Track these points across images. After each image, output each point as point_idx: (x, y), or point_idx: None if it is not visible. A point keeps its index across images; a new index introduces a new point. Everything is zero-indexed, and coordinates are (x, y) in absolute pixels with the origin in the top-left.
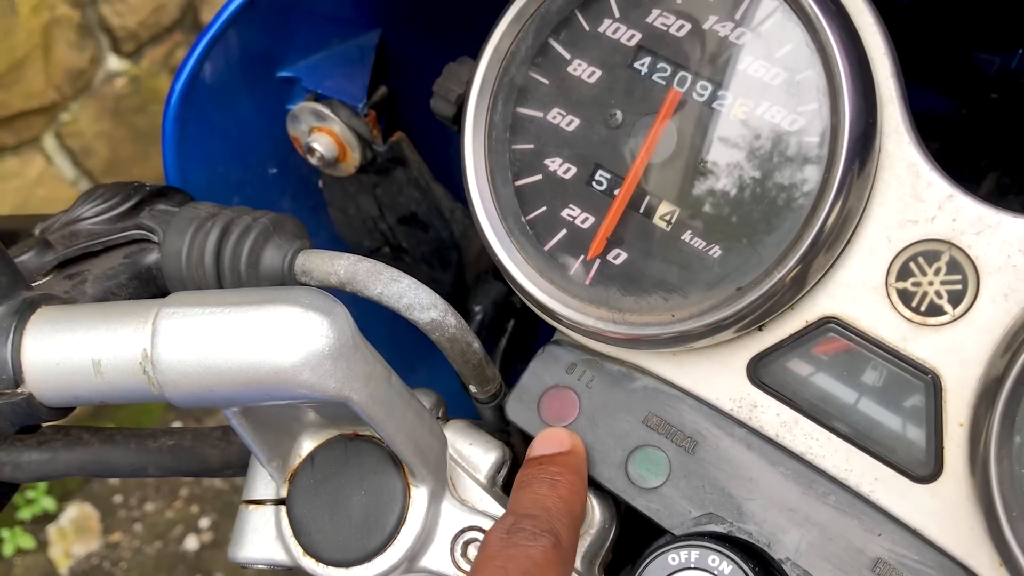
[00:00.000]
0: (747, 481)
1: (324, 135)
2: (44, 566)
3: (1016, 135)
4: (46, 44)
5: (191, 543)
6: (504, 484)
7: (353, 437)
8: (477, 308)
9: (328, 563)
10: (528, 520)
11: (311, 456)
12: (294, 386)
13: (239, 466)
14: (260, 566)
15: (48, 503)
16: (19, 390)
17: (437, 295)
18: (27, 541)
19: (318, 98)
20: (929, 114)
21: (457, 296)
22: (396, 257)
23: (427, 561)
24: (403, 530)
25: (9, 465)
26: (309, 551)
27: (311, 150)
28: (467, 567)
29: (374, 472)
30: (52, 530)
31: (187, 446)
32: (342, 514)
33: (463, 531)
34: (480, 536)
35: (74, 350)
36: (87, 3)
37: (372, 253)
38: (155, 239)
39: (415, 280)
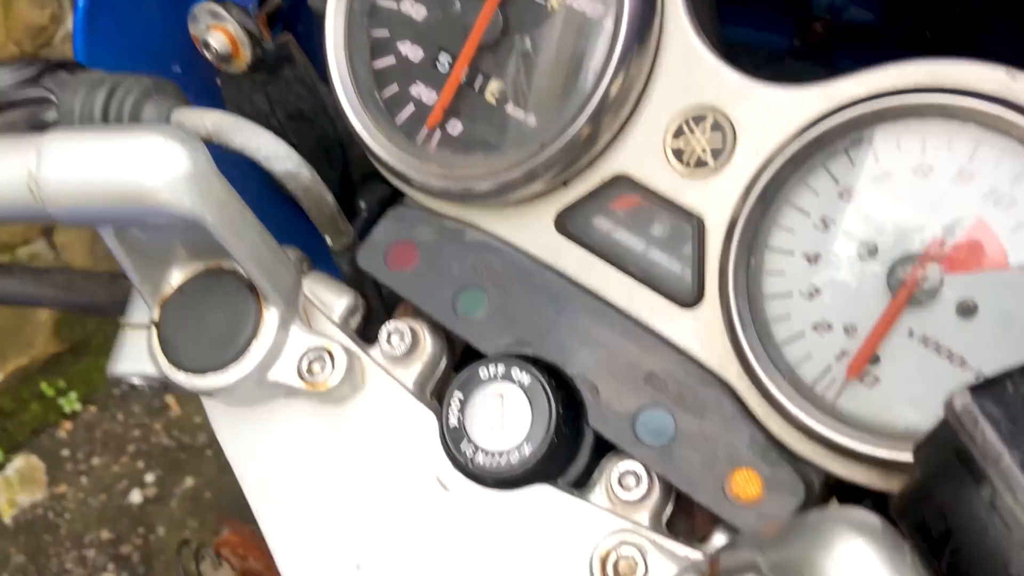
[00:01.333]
0: (550, 313)
1: (219, 32)
2: None
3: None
4: (7, 1)
5: (135, 497)
6: (358, 329)
7: (217, 269)
8: (363, 205)
9: (189, 371)
10: None
11: (180, 286)
12: (155, 203)
13: (125, 304)
14: (134, 379)
15: None
16: None
17: (293, 150)
18: None
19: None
20: (768, 48)
21: (345, 193)
22: None
23: (275, 374)
24: (254, 345)
25: None
26: (174, 363)
27: (207, 45)
28: (311, 379)
29: (233, 297)
30: None
31: (79, 283)
32: (204, 332)
33: (310, 351)
34: (325, 356)
35: None
36: None
37: None
38: (54, 100)
39: (274, 135)
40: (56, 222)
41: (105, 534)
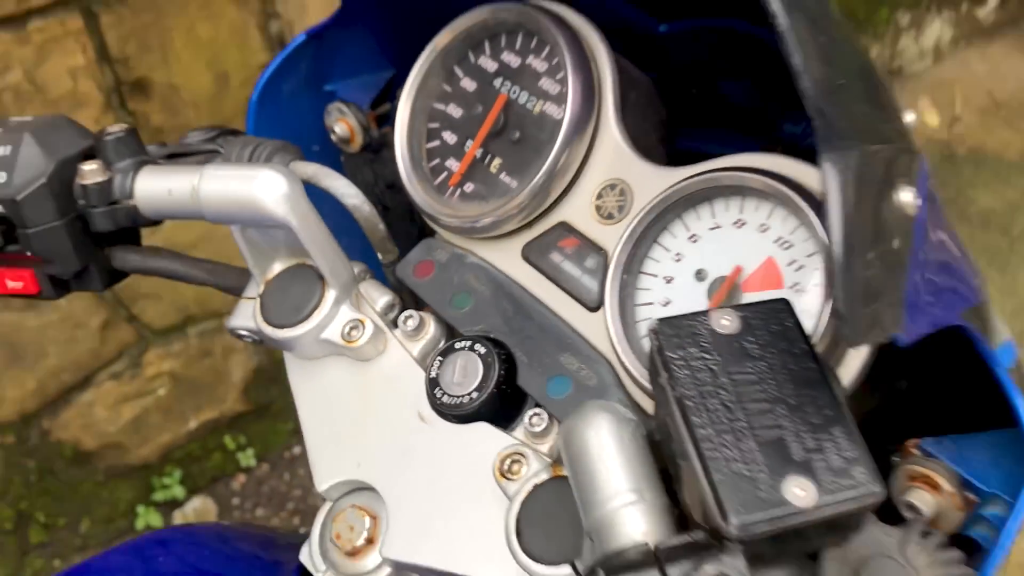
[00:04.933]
0: (509, 312)
1: (342, 123)
2: None
3: None
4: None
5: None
6: (395, 321)
7: (302, 264)
8: None
9: (275, 326)
10: None
11: (279, 273)
12: (262, 211)
13: (246, 286)
14: (242, 332)
15: (178, 491)
16: (130, 202)
17: (360, 191)
18: (155, 519)
19: (343, 101)
20: None
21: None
22: (384, 213)
23: (328, 333)
24: (316, 312)
25: (119, 259)
26: (268, 321)
27: (334, 131)
28: (349, 339)
29: (309, 282)
30: (177, 514)
31: (220, 270)
32: (287, 302)
33: (350, 321)
34: (360, 326)
35: (158, 183)
36: None
37: None
38: (221, 151)
39: (348, 181)
40: (205, 219)
41: None
